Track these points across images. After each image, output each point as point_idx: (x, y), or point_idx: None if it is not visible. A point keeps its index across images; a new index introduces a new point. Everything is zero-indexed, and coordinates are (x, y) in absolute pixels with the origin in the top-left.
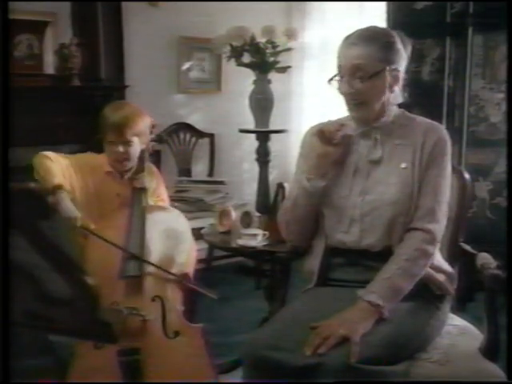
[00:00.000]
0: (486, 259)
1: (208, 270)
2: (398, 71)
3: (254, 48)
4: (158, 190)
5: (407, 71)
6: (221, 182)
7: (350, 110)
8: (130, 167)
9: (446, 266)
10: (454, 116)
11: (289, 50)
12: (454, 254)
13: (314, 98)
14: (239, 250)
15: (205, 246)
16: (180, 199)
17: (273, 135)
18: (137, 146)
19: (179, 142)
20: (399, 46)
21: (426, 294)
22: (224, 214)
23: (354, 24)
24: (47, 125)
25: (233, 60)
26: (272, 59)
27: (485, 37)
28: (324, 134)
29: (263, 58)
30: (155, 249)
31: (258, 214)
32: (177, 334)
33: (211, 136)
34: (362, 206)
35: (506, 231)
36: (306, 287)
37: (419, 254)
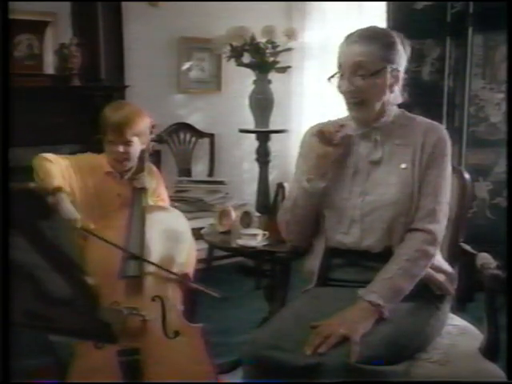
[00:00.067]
0: (485, 259)
1: (208, 269)
2: (398, 71)
3: (254, 48)
4: (157, 190)
5: (407, 71)
6: (221, 182)
7: (349, 109)
8: (129, 167)
9: (446, 266)
10: (454, 116)
11: (289, 50)
12: (454, 254)
13: (313, 98)
14: (239, 249)
15: (205, 245)
16: (180, 199)
17: (273, 135)
18: (137, 146)
19: (179, 141)
20: (399, 46)
21: (426, 294)
22: (224, 214)
23: (354, 24)
24: (47, 125)
25: (233, 60)
26: (272, 59)
27: (485, 37)
28: (324, 135)
29: (263, 58)
30: (155, 249)
31: (257, 214)
32: (177, 333)
33: (211, 136)
34: (362, 207)
35: (506, 231)
36: (306, 287)
37: (420, 255)
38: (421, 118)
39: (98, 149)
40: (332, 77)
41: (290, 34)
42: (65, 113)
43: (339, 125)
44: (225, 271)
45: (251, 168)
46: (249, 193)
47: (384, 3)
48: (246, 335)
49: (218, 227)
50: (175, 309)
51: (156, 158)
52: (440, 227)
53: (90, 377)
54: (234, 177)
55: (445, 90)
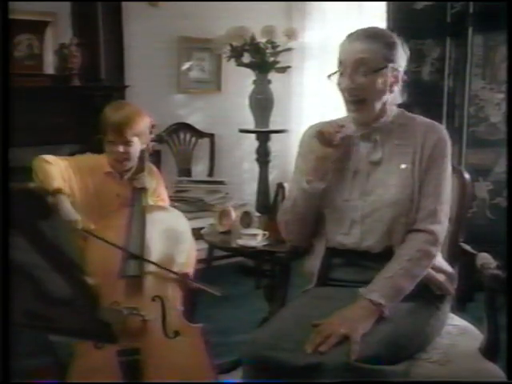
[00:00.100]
0: (485, 259)
1: (208, 269)
2: (398, 71)
3: (254, 48)
4: (158, 189)
5: (407, 71)
6: (221, 182)
7: (349, 109)
8: (129, 167)
9: (446, 266)
10: (453, 116)
11: (289, 50)
12: (454, 254)
13: (313, 98)
14: (239, 249)
15: (205, 245)
16: (180, 199)
17: (273, 135)
18: (137, 146)
19: (179, 142)
20: (400, 47)
21: (426, 294)
22: (224, 214)
23: (354, 24)
24: (47, 125)
25: (233, 60)
26: (272, 59)
27: (485, 37)
28: (324, 136)
29: (263, 58)
30: (155, 249)
31: (257, 214)
32: (177, 333)
33: (211, 136)
34: (363, 208)
35: (506, 231)
36: (306, 287)
37: (422, 255)
38: (421, 118)
39: (98, 149)
40: (332, 74)
41: (290, 34)
42: (65, 113)
43: (339, 125)
44: (225, 271)
45: (251, 168)
46: (249, 193)
47: (384, 3)
48: (246, 335)
49: (218, 227)
50: (175, 309)
51: (156, 158)
52: (441, 228)
53: (90, 377)
54: (234, 177)
55: (445, 90)
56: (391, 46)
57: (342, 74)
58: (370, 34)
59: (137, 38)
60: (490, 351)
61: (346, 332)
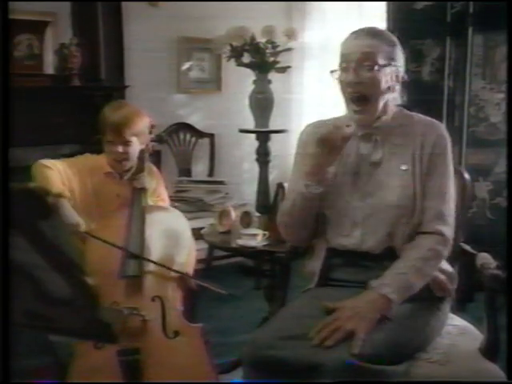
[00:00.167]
0: (485, 259)
1: (208, 269)
2: (399, 71)
3: (254, 48)
4: (157, 189)
5: (407, 71)
6: (221, 182)
7: (351, 107)
8: (129, 167)
9: (446, 266)
10: (453, 116)
11: (289, 49)
12: (454, 254)
13: (313, 98)
14: (239, 249)
15: (205, 245)
16: (180, 199)
17: (273, 135)
18: (136, 146)
19: (179, 142)
20: (400, 47)
21: (426, 295)
22: (224, 214)
23: (353, 24)
24: (47, 125)
25: (233, 60)
26: (272, 59)
27: (485, 37)
28: (329, 143)
29: (263, 58)
30: (155, 249)
31: (257, 214)
32: (177, 333)
33: (211, 136)
34: (364, 210)
35: (506, 231)
36: (306, 287)
37: (432, 255)
38: (419, 116)
39: (97, 149)
40: (335, 70)
41: (290, 34)
42: (65, 113)
43: (344, 134)
44: (225, 271)
45: (251, 168)
46: (249, 193)
47: (384, 3)
48: (246, 335)
49: (218, 227)
50: (175, 309)
51: (156, 158)
52: (450, 228)
53: (90, 377)
54: (234, 177)
55: (445, 90)
56: (393, 45)
57: (345, 69)
58: (374, 32)
59: (137, 38)
60: (489, 351)
61: (353, 328)
